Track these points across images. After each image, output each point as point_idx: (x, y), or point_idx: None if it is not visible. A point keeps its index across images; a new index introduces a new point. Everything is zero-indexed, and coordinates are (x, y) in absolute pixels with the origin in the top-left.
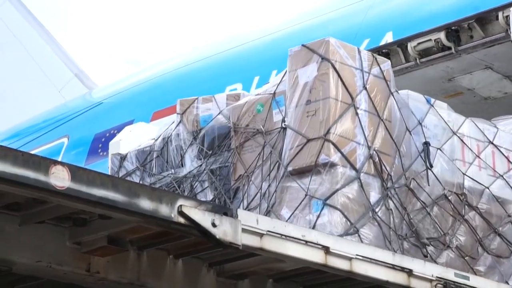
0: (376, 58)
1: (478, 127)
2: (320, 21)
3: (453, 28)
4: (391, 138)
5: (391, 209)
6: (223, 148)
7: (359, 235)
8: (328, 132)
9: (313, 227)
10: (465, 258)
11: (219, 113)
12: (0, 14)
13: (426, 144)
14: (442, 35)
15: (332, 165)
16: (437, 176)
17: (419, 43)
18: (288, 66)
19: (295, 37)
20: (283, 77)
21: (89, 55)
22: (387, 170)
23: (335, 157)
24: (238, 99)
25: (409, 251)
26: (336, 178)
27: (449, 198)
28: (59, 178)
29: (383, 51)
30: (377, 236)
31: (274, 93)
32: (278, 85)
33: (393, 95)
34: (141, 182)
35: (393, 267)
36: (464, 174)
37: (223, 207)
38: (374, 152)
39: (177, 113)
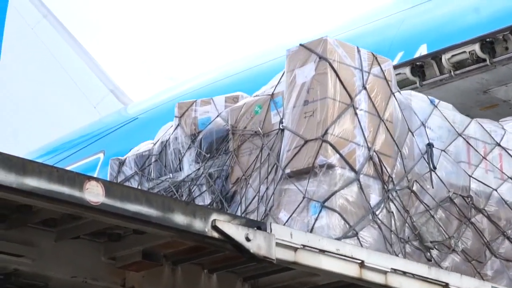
0: (376, 58)
1: (484, 129)
2: (354, 34)
3: (487, 39)
4: (392, 139)
5: (392, 212)
6: (221, 151)
7: (358, 238)
8: (326, 133)
9: (311, 230)
10: (472, 262)
11: (218, 115)
12: (37, 32)
13: (430, 145)
14: (476, 47)
15: (330, 166)
16: (441, 179)
17: (453, 55)
18: (286, 66)
19: None
20: (281, 77)
21: (129, 72)
22: (388, 172)
23: (333, 158)
24: (237, 101)
25: (412, 255)
26: (334, 179)
27: (455, 200)
28: (94, 194)
29: (417, 64)
30: (378, 239)
31: (272, 94)
32: (276, 86)
33: (394, 95)
34: (139, 187)
35: (428, 280)
36: (470, 176)
37: (256, 222)
38: (374, 153)
39: (175, 116)
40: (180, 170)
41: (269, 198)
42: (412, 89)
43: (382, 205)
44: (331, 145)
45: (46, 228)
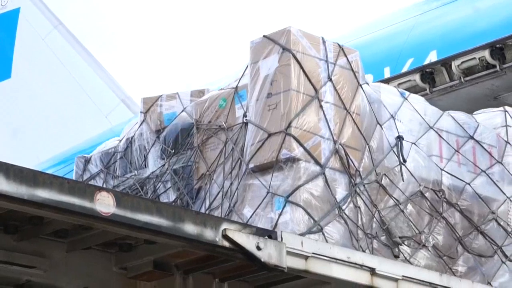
0: (342, 48)
1: (457, 122)
2: (364, 41)
3: (497, 46)
4: (360, 132)
5: (359, 207)
6: (186, 147)
7: (323, 233)
8: (289, 125)
9: (275, 226)
10: (443, 258)
11: (183, 110)
12: (48, 42)
13: (399, 138)
14: (486, 53)
15: (294, 160)
16: (411, 172)
17: (463, 62)
18: (250, 59)
19: None
20: (245, 70)
21: (140, 81)
22: (355, 165)
23: (297, 151)
24: (203, 95)
25: (379, 251)
26: (298, 173)
27: (426, 195)
28: (104, 205)
29: (427, 70)
30: (344, 234)
31: (237, 87)
32: (240, 78)
33: (362, 87)
34: (104, 185)
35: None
36: (442, 170)
37: (267, 230)
38: (340, 147)
39: (140, 112)
40: (146, 167)
41: (233, 193)
42: (422, 95)
43: (348, 200)
44: (294, 138)
45: (58, 239)
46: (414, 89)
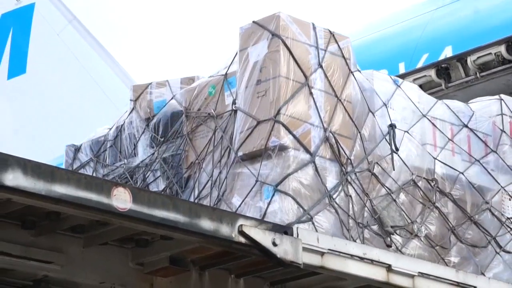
0: (333, 35)
1: (451, 110)
2: (378, 36)
3: None
4: (351, 120)
5: (350, 195)
6: (175, 135)
7: (313, 223)
8: (278, 113)
9: (264, 215)
10: (435, 248)
11: (172, 98)
12: (63, 37)
13: (392, 126)
14: (502, 49)
15: (283, 148)
16: (404, 161)
17: (479, 57)
18: (239, 45)
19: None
20: (234, 57)
21: (154, 76)
22: (346, 153)
23: (286, 139)
24: (193, 83)
25: (371, 241)
26: (287, 162)
27: (418, 184)
28: (121, 200)
29: (443, 66)
30: (334, 223)
31: (226, 74)
32: (230, 65)
33: (353, 74)
34: (94, 174)
35: (456, 284)
36: (435, 158)
37: (283, 226)
38: (331, 135)
39: (130, 100)
40: (135, 155)
41: (222, 182)
42: (437, 91)
43: (339, 188)
44: (283, 125)
45: (75, 235)
46: (429, 85)
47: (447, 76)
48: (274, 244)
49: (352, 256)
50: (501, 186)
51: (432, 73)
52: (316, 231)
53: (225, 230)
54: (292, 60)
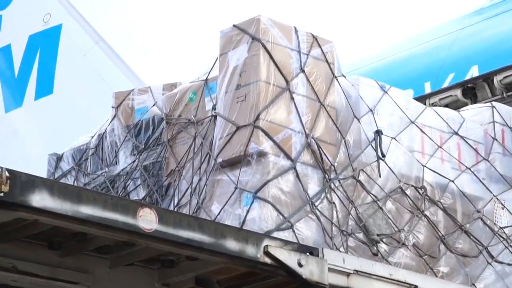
0: (316, 39)
1: (441, 117)
2: (404, 55)
3: None
4: (335, 126)
5: (334, 203)
6: (156, 142)
7: (293, 230)
8: (257, 118)
9: (243, 223)
10: (424, 258)
11: (154, 104)
12: (89, 58)
13: (378, 132)
14: None
15: (263, 154)
16: (391, 168)
17: (505, 77)
18: (219, 49)
19: (379, 73)
20: (215, 61)
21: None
22: (329, 160)
23: (266, 145)
24: (175, 89)
25: (356, 250)
26: (267, 168)
27: (406, 191)
28: (147, 221)
29: (469, 86)
30: (316, 231)
31: (207, 79)
32: (210, 70)
33: (337, 79)
34: (75, 183)
35: None
36: (423, 166)
37: (309, 247)
38: (313, 141)
39: (112, 107)
40: (117, 163)
41: (202, 190)
42: None
43: (322, 196)
44: (263, 131)
45: (101, 255)
46: (455, 104)
47: (473, 96)
48: (300, 265)
49: (378, 277)
50: (493, 195)
51: (458, 92)
52: (297, 238)
53: (250, 250)
54: (272, 64)
